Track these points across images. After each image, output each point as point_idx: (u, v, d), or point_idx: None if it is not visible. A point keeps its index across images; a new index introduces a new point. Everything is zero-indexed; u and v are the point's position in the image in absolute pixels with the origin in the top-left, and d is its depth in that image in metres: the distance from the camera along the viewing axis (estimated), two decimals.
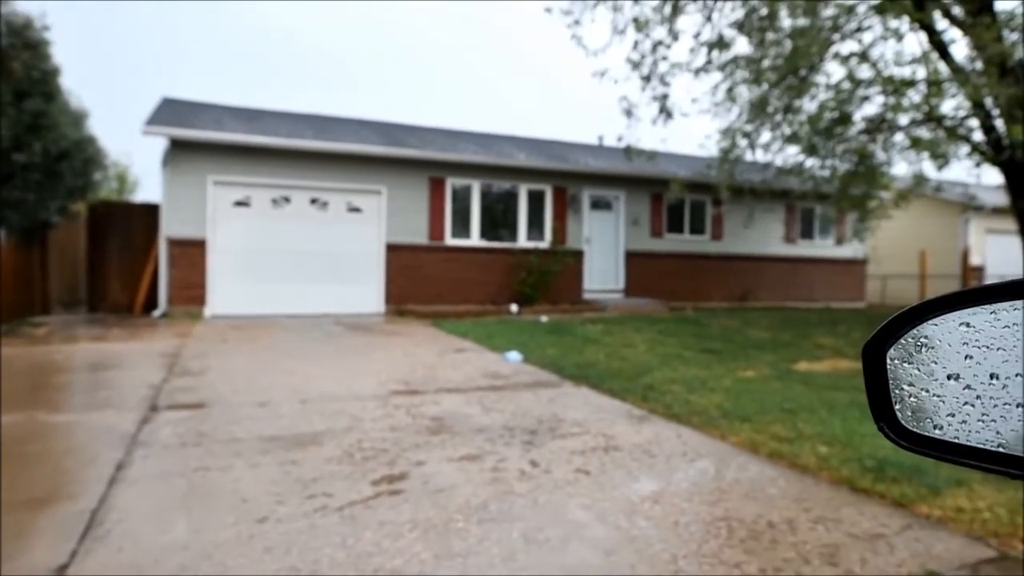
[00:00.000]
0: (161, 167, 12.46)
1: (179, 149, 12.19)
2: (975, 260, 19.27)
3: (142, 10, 68.68)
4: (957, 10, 10.46)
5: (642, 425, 4.93)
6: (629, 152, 13.31)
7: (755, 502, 3.37)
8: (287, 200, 13.05)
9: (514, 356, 7.92)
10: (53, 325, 10.95)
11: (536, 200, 15.05)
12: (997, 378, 0.59)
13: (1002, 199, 13.43)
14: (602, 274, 15.75)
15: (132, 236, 13.33)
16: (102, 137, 16.17)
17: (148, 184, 32.03)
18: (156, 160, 12.71)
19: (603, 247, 15.78)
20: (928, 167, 13.00)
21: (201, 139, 12.23)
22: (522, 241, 14.81)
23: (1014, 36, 9.84)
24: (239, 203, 12.69)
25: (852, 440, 4.35)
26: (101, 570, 2.58)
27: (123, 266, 13.27)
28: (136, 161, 39.01)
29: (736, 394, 5.91)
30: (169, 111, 13.44)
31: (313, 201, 13.24)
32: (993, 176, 16.44)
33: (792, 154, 13.09)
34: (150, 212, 13.22)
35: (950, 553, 2.82)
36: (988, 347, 0.60)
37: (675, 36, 12.21)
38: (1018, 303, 0.58)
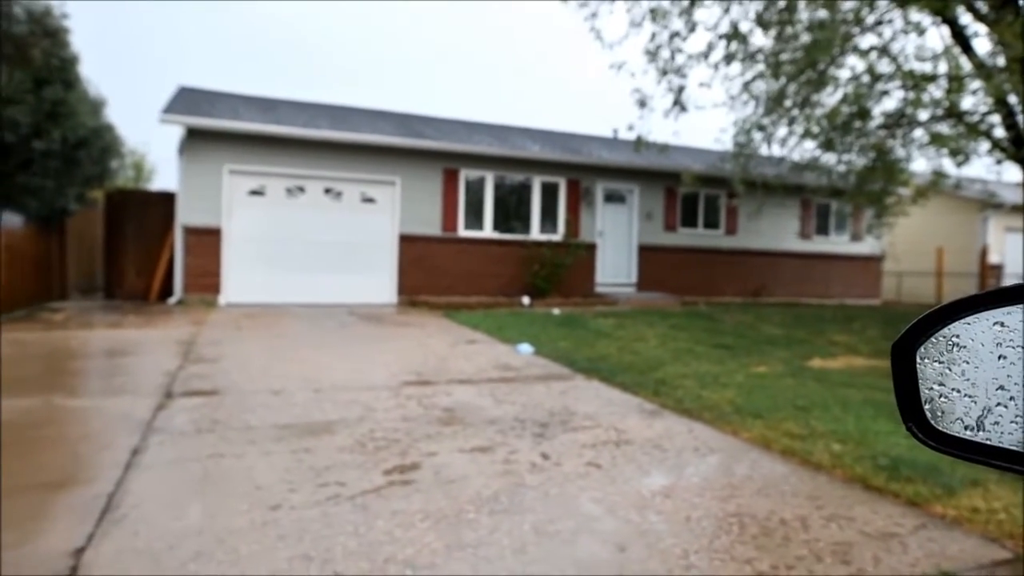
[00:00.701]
0: (177, 155, 12.54)
1: (195, 137, 12.26)
2: (993, 258, 19.01)
3: (153, 9, 69.31)
4: (980, 3, 10.29)
5: (653, 419, 4.92)
6: (639, 143, 13.21)
7: (767, 499, 3.36)
8: (302, 190, 13.09)
9: (526, 348, 7.92)
10: (70, 311, 11.07)
11: (550, 192, 15.01)
12: None
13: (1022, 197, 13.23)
14: (615, 267, 15.70)
15: (148, 224, 13.43)
16: (119, 125, 16.29)
17: (164, 172, 32.26)
18: (173, 148, 12.80)
19: (616, 240, 15.72)
20: (947, 163, 12.83)
21: (217, 128, 12.28)
22: (535, 233, 14.78)
23: None
24: (254, 192, 12.75)
25: (866, 438, 4.32)
26: (117, 553, 2.62)
27: (139, 253, 13.38)
28: (153, 149, 39.32)
29: (748, 390, 5.88)
30: (186, 100, 13.50)
31: (327, 191, 13.28)
32: (1014, 173, 16.19)
33: (809, 149, 12.96)
34: (166, 200, 13.30)
35: (964, 554, 2.79)
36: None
37: (692, 28, 12.10)
38: None
